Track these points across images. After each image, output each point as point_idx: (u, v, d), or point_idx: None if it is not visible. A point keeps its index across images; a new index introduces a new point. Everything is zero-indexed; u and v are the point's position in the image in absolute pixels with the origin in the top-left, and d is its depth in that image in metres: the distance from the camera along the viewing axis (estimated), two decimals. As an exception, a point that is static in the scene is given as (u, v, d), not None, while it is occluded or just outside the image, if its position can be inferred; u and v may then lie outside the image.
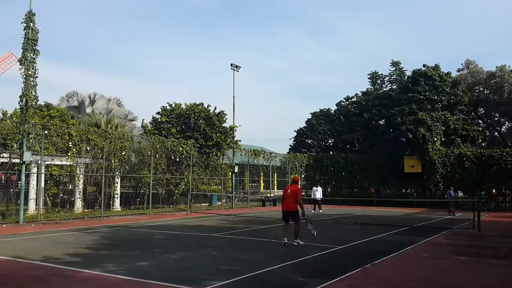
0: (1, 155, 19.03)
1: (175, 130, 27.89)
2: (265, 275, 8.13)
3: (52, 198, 21.56)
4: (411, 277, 8.20)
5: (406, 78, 39.00)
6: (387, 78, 44.17)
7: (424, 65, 36.65)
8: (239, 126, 30.53)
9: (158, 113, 29.53)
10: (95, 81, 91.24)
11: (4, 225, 16.26)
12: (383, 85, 44.29)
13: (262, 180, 37.88)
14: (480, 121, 42.49)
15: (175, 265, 9.10)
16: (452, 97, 35.43)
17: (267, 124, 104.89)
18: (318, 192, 25.83)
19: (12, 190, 21.21)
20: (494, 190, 31.26)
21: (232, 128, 29.85)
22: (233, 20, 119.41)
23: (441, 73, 35.69)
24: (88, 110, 35.52)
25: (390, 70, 43.65)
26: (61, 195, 21.17)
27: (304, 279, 7.87)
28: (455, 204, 26.15)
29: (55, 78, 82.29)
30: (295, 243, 11.65)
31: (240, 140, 30.59)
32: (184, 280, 7.53)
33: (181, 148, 25.59)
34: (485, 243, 13.21)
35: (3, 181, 28.89)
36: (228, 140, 29.57)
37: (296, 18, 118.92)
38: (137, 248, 11.17)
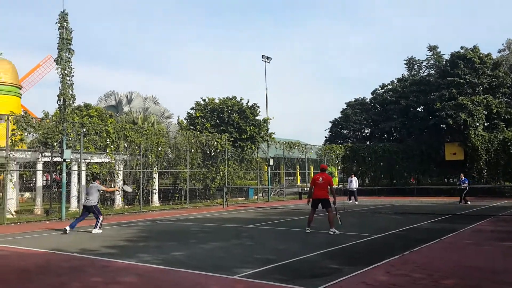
0: (43, 154, 19.67)
1: (209, 125, 28.06)
2: (299, 263, 7.98)
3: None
4: (453, 263, 7.84)
5: (444, 62, 37.65)
6: (424, 63, 42.77)
7: (462, 47, 35.24)
8: (273, 118, 30.44)
9: (192, 108, 29.82)
10: (132, 81, 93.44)
11: (47, 222, 16.82)
12: (420, 71, 42.96)
13: (298, 173, 37.58)
14: (526, 104, 40.48)
15: (208, 255, 9.09)
16: (493, 79, 33.94)
17: (301, 117, 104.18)
18: (353, 183, 25.25)
19: (55, 188, 21.91)
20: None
21: (265, 121, 29.72)
22: (263, 10, 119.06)
23: (481, 55, 34.24)
24: (126, 108, 36.35)
25: (427, 55, 42.21)
26: (101, 192, 21.65)
27: (339, 266, 7.66)
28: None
29: (94, 80, 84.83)
30: (331, 232, 11.48)
31: (274, 133, 30.46)
32: (216, 268, 7.49)
33: (215, 142, 25.72)
34: (533, 228, 12.54)
35: (48, 181, 29.96)
36: (262, 133, 29.47)
37: (329, 5, 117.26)
38: (172, 240, 11.27)
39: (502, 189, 29.63)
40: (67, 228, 12.90)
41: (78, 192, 19.89)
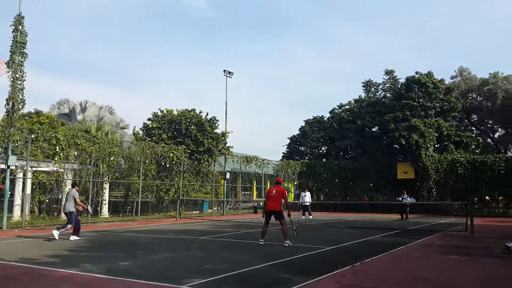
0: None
1: (166, 136, 27.55)
2: (250, 273, 7.81)
3: (38, 205, 21.08)
4: (401, 274, 7.92)
5: (399, 86, 38.99)
6: (381, 86, 44.08)
7: (417, 72, 36.64)
8: (231, 132, 30.23)
9: (149, 119, 29.20)
10: (87, 91, 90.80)
11: (-14, 231, 15.80)
12: (377, 93, 44.25)
13: (254, 187, 37.50)
14: (473, 128, 42.49)
15: (157, 265, 8.74)
16: (445, 103, 35.40)
17: (260, 133, 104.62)
18: (306, 197, 25.24)
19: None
20: (487, 197, 31.11)
21: (224, 134, 29.54)
22: (226, 29, 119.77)
23: (435, 80, 35.68)
24: (79, 117, 35.10)
25: (384, 78, 43.61)
26: (47, 201, 20.65)
27: (290, 276, 7.55)
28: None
29: (47, 88, 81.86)
30: (286, 244, 11.40)
31: (232, 147, 30.27)
32: (164, 278, 7.20)
33: (171, 154, 25.23)
34: (478, 244, 12.93)
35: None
36: (220, 146, 29.24)
37: (289, 27, 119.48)
38: (120, 250, 10.80)
39: (450, 207, 30.68)
40: (73, 237, 12.79)
41: (22, 201, 18.84)
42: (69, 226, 13.01)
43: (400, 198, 25.13)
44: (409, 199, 24.84)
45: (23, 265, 8.40)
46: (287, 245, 11.38)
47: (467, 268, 8.79)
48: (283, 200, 12.02)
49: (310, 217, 24.27)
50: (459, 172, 30.98)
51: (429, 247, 11.83)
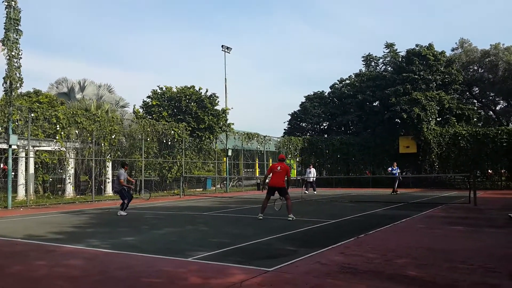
0: (-13, 140, 18.59)
1: (166, 113, 27.44)
2: (255, 246, 7.84)
3: (42, 185, 21.17)
4: (405, 244, 7.94)
5: (400, 59, 38.57)
6: (381, 60, 43.60)
7: (417, 45, 36.14)
8: (232, 108, 30.18)
9: (148, 97, 29.05)
10: (85, 70, 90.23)
11: (-9, 210, 15.91)
12: (377, 67, 43.81)
13: (257, 164, 37.57)
14: (475, 101, 42.27)
15: (161, 239, 8.79)
16: (446, 76, 35.08)
17: (261, 111, 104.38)
18: (311, 173, 25.38)
19: (1, 177, 20.76)
20: (490, 171, 31.15)
21: (224, 111, 29.41)
22: (225, 5, 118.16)
23: (435, 52, 35.25)
24: (78, 96, 34.93)
25: (384, 52, 43.08)
26: (50, 180, 20.71)
27: (294, 248, 7.57)
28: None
29: (45, 68, 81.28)
30: (290, 219, 11.44)
31: (233, 123, 30.18)
32: (169, 252, 7.24)
33: (172, 132, 25.19)
34: (481, 215, 12.97)
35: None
36: (221, 123, 29.15)
37: (289, 3, 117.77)
38: (124, 226, 10.84)
39: (453, 180, 30.73)
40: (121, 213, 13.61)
41: (26, 181, 18.90)
42: (125, 201, 13.75)
43: (390, 169, 24.94)
44: (399, 170, 24.51)
45: (29, 242, 8.44)
46: (290, 219, 11.42)
47: (471, 238, 8.82)
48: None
49: (315, 192, 24.41)
50: (461, 145, 30.93)
51: (432, 219, 11.86)
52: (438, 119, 33.39)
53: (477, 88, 41.95)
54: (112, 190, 14.49)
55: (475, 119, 36.34)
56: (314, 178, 25.30)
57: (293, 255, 6.92)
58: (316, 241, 8.46)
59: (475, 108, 37.52)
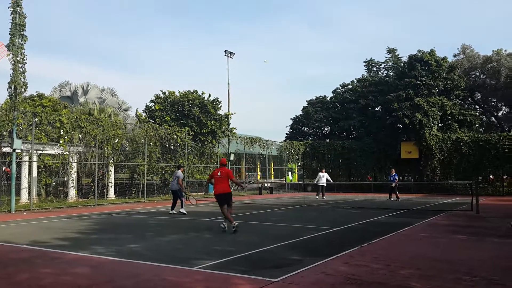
0: (-9, 144, 18.66)
1: (169, 118, 27.52)
2: (259, 254, 7.88)
3: (45, 188, 21.25)
4: (409, 254, 7.97)
5: (402, 64, 38.64)
6: (383, 65, 43.59)
7: (419, 51, 36.21)
8: (234, 113, 30.24)
9: (151, 101, 29.14)
10: (88, 73, 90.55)
11: (-5, 214, 15.97)
12: (379, 72, 43.86)
13: (259, 168, 37.61)
14: (477, 106, 42.31)
15: (166, 247, 8.84)
16: (448, 82, 35.13)
17: (263, 115, 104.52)
18: (324, 178, 25.03)
19: (4, 181, 20.83)
20: (492, 176, 31.16)
21: (227, 116, 29.48)
22: (228, 10, 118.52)
23: (437, 58, 35.32)
24: (81, 100, 35.07)
25: (386, 57, 43.12)
26: (54, 184, 20.79)
27: (299, 257, 7.61)
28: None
29: (48, 72, 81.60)
30: (233, 228, 10.77)
31: (235, 128, 30.28)
32: (174, 260, 7.28)
33: (175, 136, 25.26)
34: (484, 223, 13.00)
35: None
36: (223, 128, 29.23)
37: (291, 7, 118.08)
38: (128, 232, 10.90)
39: (455, 187, 30.76)
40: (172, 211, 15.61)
41: (29, 184, 18.98)
42: (183, 199, 15.54)
43: (391, 178, 23.98)
44: (396, 177, 24.03)
45: (34, 248, 8.49)
46: (234, 227, 10.76)
47: (474, 247, 8.85)
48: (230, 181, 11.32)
49: (324, 197, 24.41)
50: (463, 151, 30.98)
51: (435, 227, 11.89)
52: (440, 124, 33.45)
53: (479, 94, 42.03)
54: (171, 188, 16.16)
55: (477, 125, 36.41)
56: (326, 183, 25.10)
57: (298, 264, 6.96)
58: (320, 249, 8.50)
59: (477, 114, 37.58)
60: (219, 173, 11.37)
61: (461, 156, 31.15)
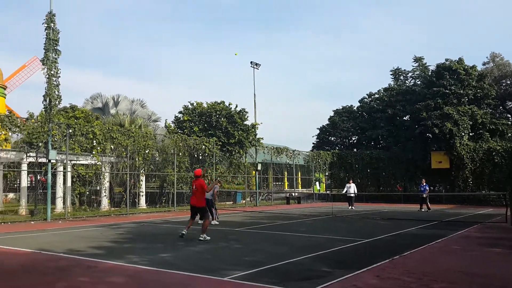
0: (28, 155, 19.36)
1: (197, 129, 27.94)
2: (288, 266, 7.93)
3: (79, 197, 21.86)
4: (442, 267, 7.86)
5: (430, 73, 38.10)
6: (410, 74, 43.18)
7: (447, 59, 35.66)
8: (261, 123, 30.41)
9: (180, 112, 29.68)
10: (119, 85, 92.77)
11: (32, 222, 16.54)
12: (406, 81, 43.38)
13: (286, 178, 37.59)
14: (509, 115, 41.23)
15: (197, 257, 8.98)
16: (478, 90, 34.42)
17: (289, 124, 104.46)
18: (351, 188, 25.24)
19: (40, 190, 21.54)
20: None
21: (254, 126, 29.69)
22: (252, 20, 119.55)
23: (466, 67, 34.69)
24: (112, 111, 36.00)
25: (413, 66, 42.66)
26: (87, 193, 21.38)
27: (328, 269, 7.63)
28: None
29: (80, 84, 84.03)
30: (201, 238, 10.98)
31: (262, 138, 30.44)
32: (205, 270, 7.40)
33: (203, 146, 25.60)
34: (519, 236, 12.67)
35: (33, 182, 29.52)
36: (250, 138, 29.43)
37: (316, 16, 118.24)
38: (160, 241, 11.13)
39: (487, 197, 29.99)
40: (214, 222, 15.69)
41: (64, 193, 19.58)
42: (213, 210, 15.77)
43: (421, 189, 23.50)
44: (427, 188, 23.55)
45: (71, 257, 8.78)
46: (202, 238, 10.93)
47: (508, 261, 8.66)
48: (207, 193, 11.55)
49: (353, 208, 24.37)
50: (496, 161, 30.24)
51: (468, 239, 11.66)
52: (471, 134, 32.78)
53: (510, 103, 40.98)
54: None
55: (510, 134, 35.44)
56: (354, 194, 25.31)
57: (328, 276, 6.97)
58: (350, 261, 8.48)
59: (509, 123, 36.60)
60: (194, 186, 11.49)
61: (494, 166, 30.40)
